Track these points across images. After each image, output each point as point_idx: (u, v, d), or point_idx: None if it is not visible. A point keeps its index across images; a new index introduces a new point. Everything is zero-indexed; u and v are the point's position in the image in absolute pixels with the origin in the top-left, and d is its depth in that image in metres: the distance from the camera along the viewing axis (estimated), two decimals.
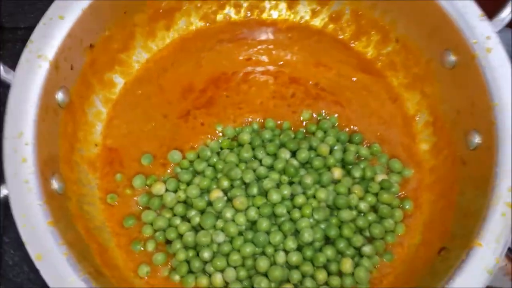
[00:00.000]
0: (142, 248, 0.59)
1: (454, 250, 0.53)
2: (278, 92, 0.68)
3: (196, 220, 0.58)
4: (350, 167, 0.63)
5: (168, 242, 0.59)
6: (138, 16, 0.64)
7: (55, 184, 0.53)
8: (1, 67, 0.54)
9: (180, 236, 0.58)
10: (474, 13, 0.58)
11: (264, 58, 0.70)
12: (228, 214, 0.58)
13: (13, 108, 0.52)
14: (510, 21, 0.59)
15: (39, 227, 0.48)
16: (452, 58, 0.61)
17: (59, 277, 0.46)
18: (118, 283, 0.54)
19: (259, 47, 0.71)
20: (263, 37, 0.71)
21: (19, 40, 0.78)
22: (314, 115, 0.67)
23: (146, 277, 0.57)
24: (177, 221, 0.59)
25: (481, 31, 0.57)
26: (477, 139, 0.57)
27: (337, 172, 0.61)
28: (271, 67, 0.70)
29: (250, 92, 0.68)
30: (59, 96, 0.56)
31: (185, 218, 0.60)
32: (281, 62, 0.70)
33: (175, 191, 0.61)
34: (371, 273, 0.58)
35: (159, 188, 0.61)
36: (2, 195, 0.50)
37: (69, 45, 0.56)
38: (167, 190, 0.61)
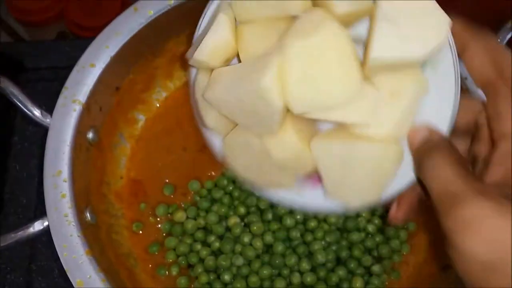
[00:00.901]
0: (167, 273, 0.64)
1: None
2: None
3: (216, 245, 0.63)
4: None
5: (190, 266, 0.64)
6: (158, 60, 0.70)
7: (88, 216, 0.58)
8: (39, 111, 0.59)
9: (202, 260, 0.64)
10: None
11: None
12: (246, 238, 0.63)
13: (51, 149, 0.57)
14: None
15: (79, 256, 0.53)
16: None
17: None
18: None
19: None
20: None
21: (41, 80, 0.83)
22: None
23: None
24: (198, 246, 0.64)
25: None
26: None
27: None
28: None
29: None
30: (90, 135, 0.62)
31: (205, 243, 0.65)
32: None
33: (195, 218, 0.66)
34: None
35: (180, 216, 0.66)
36: (42, 227, 0.55)
37: (99, 89, 0.62)
38: (187, 217, 0.66)
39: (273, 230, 0.64)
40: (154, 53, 0.69)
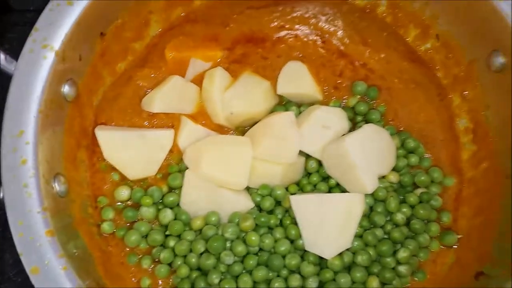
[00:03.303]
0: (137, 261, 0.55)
1: (495, 278, 0.48)
2: (328, 60, 0.63)
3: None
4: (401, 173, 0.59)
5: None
6: (153, 2, 0.59)
7: (57, 187, 0.49)
8: (2, 56, 0.49)
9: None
10: None
11: (302, 28, 0.64)
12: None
13: (13, 103, 0.47)
14: None
15: (37, 237, 0.44)
16: (501, 59, 0.54)
17: None
18: None
19: (293, 14, 0.64)
20: (298, 7, 0.64)
21: (28, 23, 0.73)
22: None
23: None
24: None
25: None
26: None
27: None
28: (313, 36, 0.64)
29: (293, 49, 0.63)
30: (66, 89, 0.52)
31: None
32: (327, 35, 0.64)
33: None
34: None
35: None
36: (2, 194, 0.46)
37: (78, 33, 0.51)
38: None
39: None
40: None
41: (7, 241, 0.62)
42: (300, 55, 0.63)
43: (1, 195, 0.46)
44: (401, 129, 0.61)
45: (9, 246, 0.61)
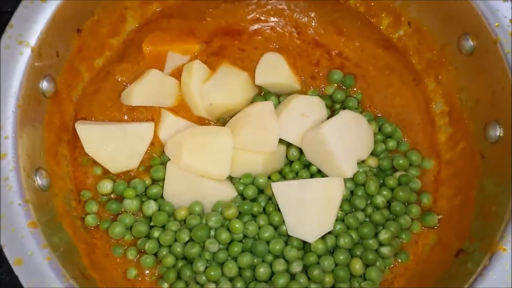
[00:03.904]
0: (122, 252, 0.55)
1: (473, 254, 0.49)
2: (304, 50, 0.64)
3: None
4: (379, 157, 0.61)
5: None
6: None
7: (39, 181, 0.49)
8: None
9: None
10: None
11: (277, 20, 0.65)
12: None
13: None
14: None
15: (20, 228, 0.44)
16: (471, 43, 0.56)
17: (40, 284, 0.42)
18: (109, 286, 0.50)
19: (268, 7, 0.65)
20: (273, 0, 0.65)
21: (5, 26, 0.73)
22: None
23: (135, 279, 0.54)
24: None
25: (504, 13, 0.52)
26: (498, 131, 0.52)
27: None
28: (288, 27, 0.65)
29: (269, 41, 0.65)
30: (44, 85, 0.52)
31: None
32: (302, 26, 0.65)
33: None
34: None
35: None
36: None
37: (54, 29, 0.51)
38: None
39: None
40: None
41: None
42: (277, 46, 0.64)
43: None
44: (378, 114, 0.63)
45: None
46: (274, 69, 0.63)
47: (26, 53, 0.49)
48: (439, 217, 0.58)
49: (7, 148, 0.46)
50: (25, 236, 0.44)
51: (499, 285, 0.44)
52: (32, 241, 0.44)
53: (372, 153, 0.59)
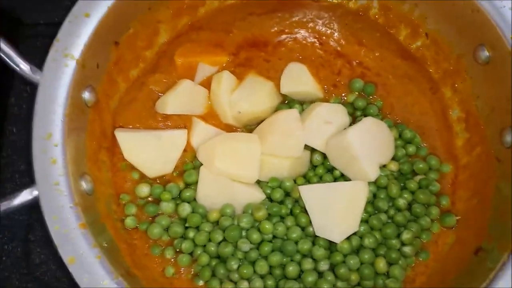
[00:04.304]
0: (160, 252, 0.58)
1: (492, 251, 0.52)
2: (326, 60, 0.67)
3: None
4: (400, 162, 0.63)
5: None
6: (162, 13, 0.63)
7: (84, 185, 0.52)
8: (28, 67, 0.53)
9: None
10: (510, 6, 0.56)
11: (301, 31, 0.68)
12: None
13: (41, 109, 0.51)
14: None
15: (71, 229, 0.47)
16: (486, 53, 0.59)
17: (93, 281, 0.46)
18: (149, 283, 0.54)
19: (292, 19, 0.68)
20: (296, 12, 0.69)
21: (40, 36, 0.77)
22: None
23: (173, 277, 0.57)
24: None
25: None
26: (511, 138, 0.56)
27: None
28: (311, 39, 0.68)
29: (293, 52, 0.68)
30: (86, 95, 0.56)
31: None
32: (324, 37, 0.68)
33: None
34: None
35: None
36: (30, 197, 0.49)
37: (95, 43, 0.55)
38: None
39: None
40: (157, 5, 0.61)
41: (31, 243, 0.65)
42: (300, 57, 0.67)
43: (15, 203, 0.49)
44: (398, 121, 0.66)
45: (34, 247, 0.64)
46: (298, 78, 0.66)
47: (71, 65, 0.53)
48: (457, 217, 0.61)
49: (57, 155, 0.50)
50: (76, 237, 0.47)
51: None
52: (83, 241, 0.47)
53: (393, 158, 0.62)
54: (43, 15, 0.77)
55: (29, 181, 0.65)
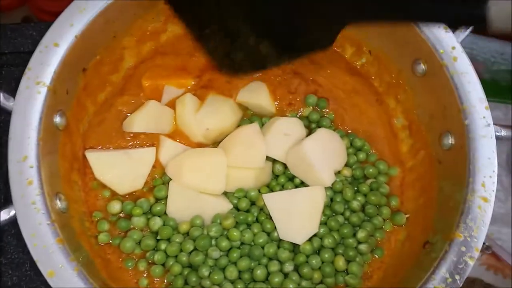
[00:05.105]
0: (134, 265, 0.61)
1: (437, 243, 0.58)
2: (284, 79, 0.72)
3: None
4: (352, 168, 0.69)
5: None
6: (126, 40, 0.67)
7: (59, 204, 0.55)
8: (0, 95, 0.56)
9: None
10: (440, 26, 0.64)
11: None
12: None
13: (16, 133, 0.54)
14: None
15: (50, 245, 0.50)
16: (422, 67, 0.66)
17: None
18: None
19: None
20: None
21: (5, 65, 0.79)
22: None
23: None
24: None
25: (447, 42, 0.63)
26: (450, 140, 0.62)
27: None
28: None
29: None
30: (57, 119, 0.59)
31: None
32: None
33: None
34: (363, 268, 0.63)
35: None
36: (8, 216, 0.52)
37: (65, 70, 0.58)
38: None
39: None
40: (121, 32, 0.66)
41: (3, 265, 0.66)
42: (260, 75, 0.72)
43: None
44: (349, 131, 0.72)
45: (6, 270, 0.66)
46: (255, 92, 0.71)
47: (43, 91, 0.56)
48: (407, 216, 0.67)
49: (33, 175, 0.53)
50: (54, 251, 0.50)
51: (457, 265, 0.53)
52: (61, 255, 0.50)
53: (346, 164, 0.68)
54: (7, 44, 0.80)
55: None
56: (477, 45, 0.98)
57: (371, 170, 0.68)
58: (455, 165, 0.61)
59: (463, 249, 0.54)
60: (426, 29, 0.64)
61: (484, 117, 0.60)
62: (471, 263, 0.53)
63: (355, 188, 0.68)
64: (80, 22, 0.59)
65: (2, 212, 0.51)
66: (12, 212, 0.51)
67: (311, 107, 0.72)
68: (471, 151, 0.58)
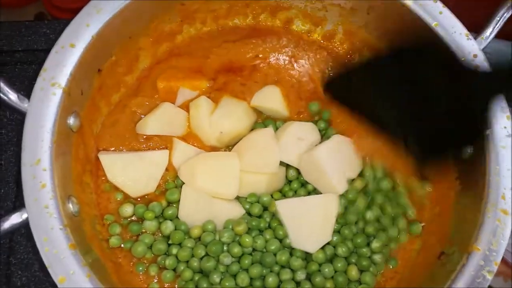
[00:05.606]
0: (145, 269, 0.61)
1: (453, 255, 0.57)
2: (298, 81, 0.72)
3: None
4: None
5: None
6: (142, 40, 0.67)
7: (71, 207, 0.55)
8: (15, 96, 0.55)
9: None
10: (461, 32, 0.62)
11: (275, 56, 0.73)
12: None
13: (29, 136, 0.53)
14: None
15: (61, 250, 0.50)
16: None
17: None
18: None
19: (265, 46, 0.73)
20: (268, 39, 0.73)
21: (18, 63, 0.79)
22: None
23: None
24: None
25: (469, 49, 0.61)
26: (469, 150, 0.61)
27: None
28: (284, 63, 0.73)
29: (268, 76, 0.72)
30: (71, 121, 0.58)
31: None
32: (295, 62, 0.73)
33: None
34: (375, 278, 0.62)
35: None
36: (20, 220, 0.51)
37: (80, 71, 0.58)
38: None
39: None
40: (137, 33, 0.65)
41: (13, 265, 0.66)
42: (276, 79, 0.72)
43: (5, 226, 0.51)
44: None
45: (16, 270, 0.66)
46: (269, 96, 0.70)
47: (58, 93, 0.56)
48: (422, 224, 0.66)
49: (46, 179, 0.52)
50: (66, 257, 0.49)
51: (475, 279, 0.52)
52: (73, 261, 0.49)
53: (360, 174, 0.67)
54: (21, 42, 0.80)
55: (9, 205, 0.68)
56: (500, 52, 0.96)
57: (385, 183, 0.67)
58: (474, 176, 0.59)
59: (482, 263, 0.53)
60: (447, 35, 0.62)
61: (505, 127, 0.58)
62: (489, 277, 0.52)
63: (370, 198, 0.66)
64: (97, 23, 0.58)
65: (14, 215, 0.50)
66: (24, 216, 0.50)
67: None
68: (491, 162, 0.57)
